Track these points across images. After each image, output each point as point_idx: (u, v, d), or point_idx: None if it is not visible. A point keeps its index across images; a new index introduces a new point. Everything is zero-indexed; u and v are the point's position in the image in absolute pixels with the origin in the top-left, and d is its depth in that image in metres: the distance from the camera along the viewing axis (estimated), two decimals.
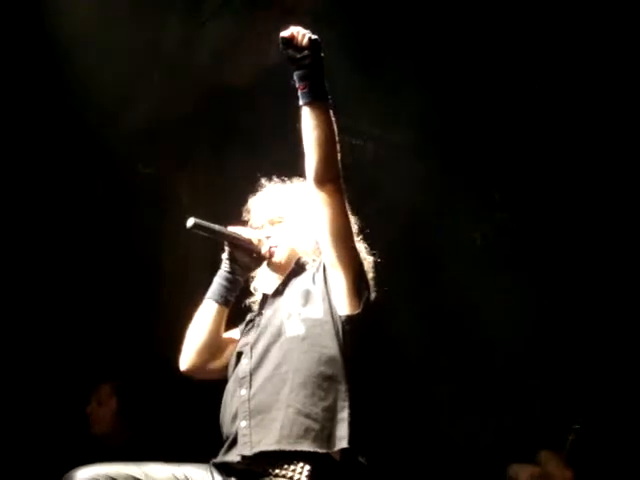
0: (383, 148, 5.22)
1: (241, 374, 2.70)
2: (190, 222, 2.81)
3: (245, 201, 3.05)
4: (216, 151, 5.11)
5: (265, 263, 2.92)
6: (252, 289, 3.02)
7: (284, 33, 2.57)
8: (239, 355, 2.77)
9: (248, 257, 2.90)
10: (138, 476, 2.57)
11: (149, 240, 5.12)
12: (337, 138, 2.61)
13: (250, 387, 2.64)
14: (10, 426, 4.73)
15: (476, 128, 5.14)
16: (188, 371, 2.92)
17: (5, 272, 4.88)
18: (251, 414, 2.59)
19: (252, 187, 3.06)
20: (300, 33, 2.57)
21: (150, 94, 4.93)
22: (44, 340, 4.92)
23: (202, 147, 5.17)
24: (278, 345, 2.66)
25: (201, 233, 2.85)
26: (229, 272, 2.91)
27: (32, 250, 4.96)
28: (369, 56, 4.80)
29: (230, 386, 2.75)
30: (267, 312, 2.81)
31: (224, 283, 2.90)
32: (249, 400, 2.62)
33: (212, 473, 2.63)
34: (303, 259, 2.86)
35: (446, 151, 5.16)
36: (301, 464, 2.51)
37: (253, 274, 3.01)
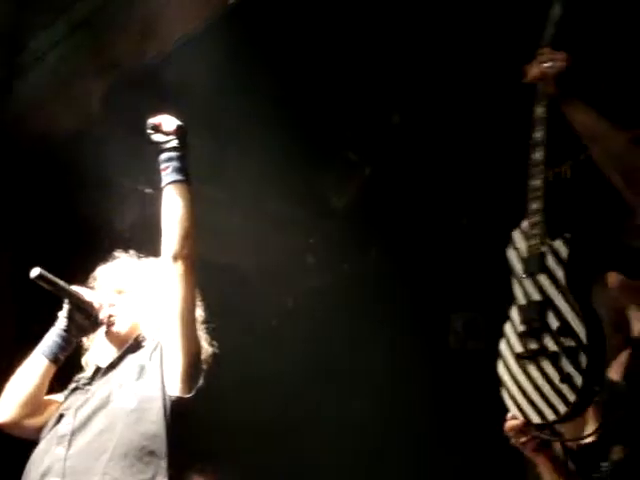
0: None
1: (61, 432, 2.68)
2: (35, 272, 2.78)
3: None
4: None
5: (104, 333, 2.92)
6: (84, 363, 2.99)
7: (153, 120, 2.76)
8: (60, 416, 2.75)
9: (86, 319, 2.88)
10: None
11: None
12: (194, 219, 2.74)
13: (69, 447, 2.62)
14: None
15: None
16: (4, 424, 2.85)
17: None
18: (65, 473, 2.57)
19: None
20: (167, 120, 2.76)
21: None
22: None
23: None
24: (104, 412, 2.66)
25: (43, 285, 2.82)
26: (64, 330, 2.88)
27: None
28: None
29: (43, 444, 2.72)
30: (99, 382, 2.80)
31: (58, 340, 2.87)
32: (65, 459, 2.60)
33: None
34: (142, 335, 2.87)
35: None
36: None
37: (87, 347, 3.00)
